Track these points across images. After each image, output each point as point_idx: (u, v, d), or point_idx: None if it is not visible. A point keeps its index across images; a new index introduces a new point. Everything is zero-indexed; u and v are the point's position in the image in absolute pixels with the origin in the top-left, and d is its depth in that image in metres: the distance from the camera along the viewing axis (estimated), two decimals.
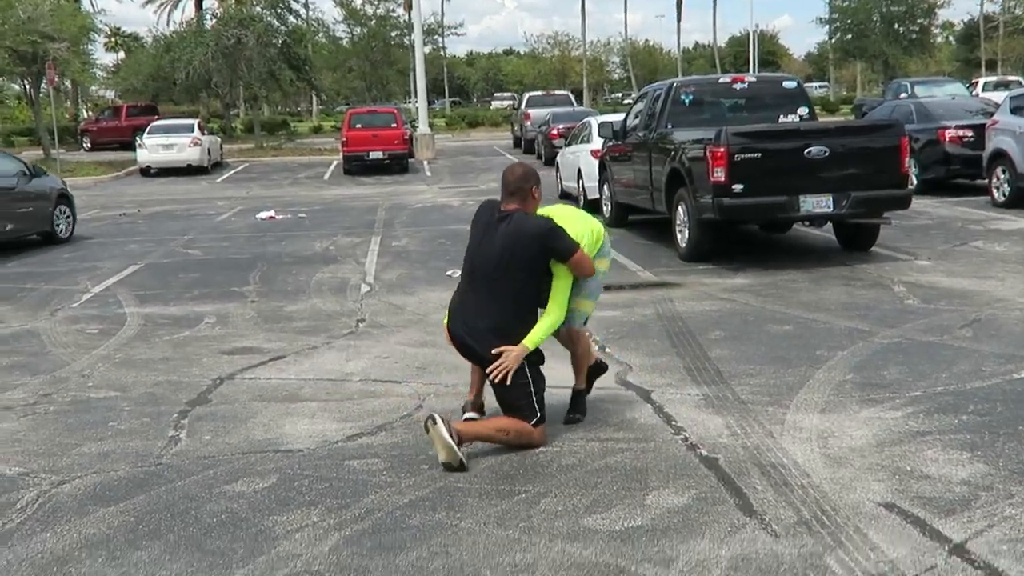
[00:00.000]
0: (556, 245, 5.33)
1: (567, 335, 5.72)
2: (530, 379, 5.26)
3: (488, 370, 5.24)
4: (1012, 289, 9.02)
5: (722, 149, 10.30)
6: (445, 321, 5.57)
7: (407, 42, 49.15)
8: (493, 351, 5.21)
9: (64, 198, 15.68)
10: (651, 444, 5.30)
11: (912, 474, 4.75)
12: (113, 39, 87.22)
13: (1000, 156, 15.04)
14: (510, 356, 5.19)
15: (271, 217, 17.75)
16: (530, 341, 5.24)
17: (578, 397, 5.85)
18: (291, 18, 44.24)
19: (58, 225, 15.28)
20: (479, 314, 5.32)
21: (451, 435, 4.93)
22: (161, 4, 70.90)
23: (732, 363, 6.88)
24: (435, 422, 4.95)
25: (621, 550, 4.05)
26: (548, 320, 5.37)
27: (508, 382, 5.21)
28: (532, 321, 5.35)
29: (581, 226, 5.62)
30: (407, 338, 8.11)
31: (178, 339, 8.37)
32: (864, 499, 4.47)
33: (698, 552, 4.00)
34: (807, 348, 7.19)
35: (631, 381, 6.57)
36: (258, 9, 42.83)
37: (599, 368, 6.04)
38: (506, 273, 5.28)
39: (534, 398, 5.27)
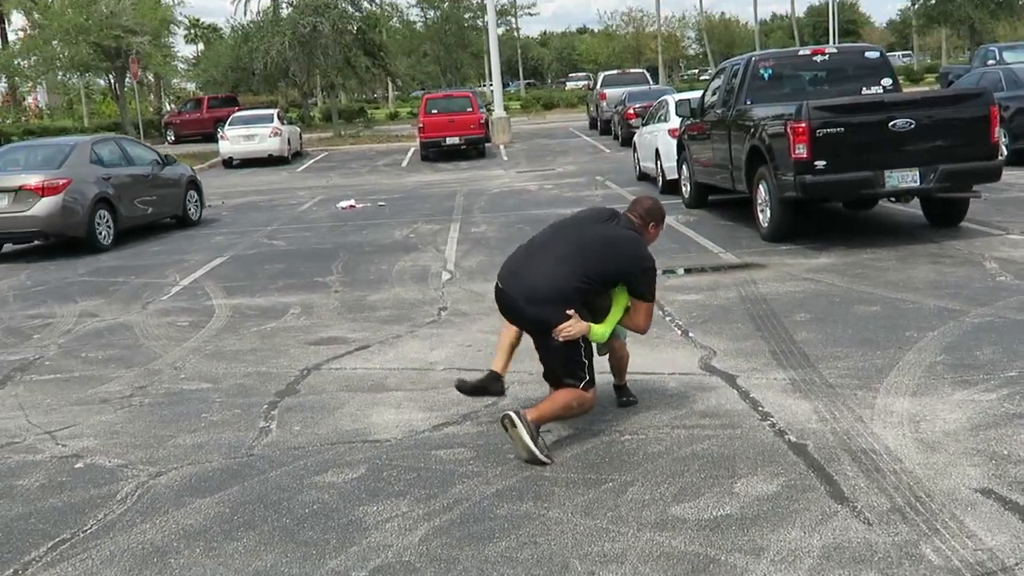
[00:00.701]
0: (642, 279, 5.31)
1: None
2: (583, 345, 5.20)
3: (559, 328, 5.06)
4: None
5: (803, 124, 10.12)
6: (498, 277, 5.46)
7: (481, 24, 49.21)
8: (563, 315, 5.08)
9: (193, 184, 17.28)
10: (738, 430, 5.26)
11: (1009, 458, 4.64)
12: (192, 31, 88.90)
13: None
14: (580, 324, 5.10)
15: (351, 206, 17.95)
16: (594, 328, 5.21)
17: (623, 389, 5.88)
18: (365, 3, 44.59)
19: (189, 209, 16.93)
20: (546, 275, 5.17)
21: (530, 434, 4.91)
22: None
23: (819, 346, 6.78)
24: (514, 424, 4.93)
25: (710, 539, 4.03)
26: (602, 327, 5.30)
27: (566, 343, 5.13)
28: (579, 311, 5.19)
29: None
30: (489, 326, 8.13)
31: (265, 330, 8.53)
32: (960, 485, 4.38)
33: (789, 541, 3.96)
34: (896, 329, 7.04)
35: (716, 366, 6.51)
36: None
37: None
38: (581, 256, 5.20)
39: (587, 362, 5.21)
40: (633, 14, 78.44)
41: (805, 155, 10.15)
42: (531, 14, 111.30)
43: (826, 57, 12.95)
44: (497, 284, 5.43)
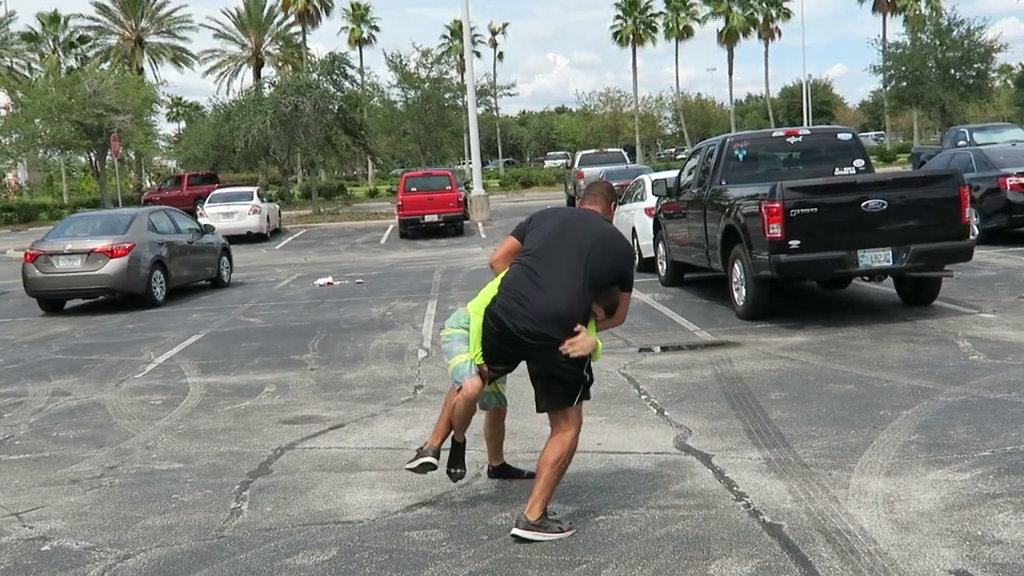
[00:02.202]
0: (632, 272, 5.41)
1: (498, 416, 5.84)
2: (588, 361, 5.17)
3: (569, 343, 4.97)
4: None
5: (777, 204, 10.25)
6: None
7: (460, 103, 49.73)
8: (572, 331, 5.02)
9: (225, 251, 19.35)
10: (713, 511, 5.23)
11: (983, 539, 4.63)
12: (175, 109, 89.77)
13: None
14: (588, 338, 5.06)
15: (329, 283, 17.97)
16: (599, 343, 5.20)
17: (505, 469, 6.02)
18: (347, 84, 45.06)
19: (222, 273, 18.93)
20: (559, 296, 5.03)
21: (544, 534, 4.99)
22: (221, 73, 73.21)
23: (793, 425, 6.79)
24: (526, 540, 4.95)
25: None
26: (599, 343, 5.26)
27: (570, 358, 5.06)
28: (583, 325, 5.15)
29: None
30: None
31: (239, 409, 8.47)
32: (934, 566, 4.36)
33: None
34: (870, 408, 7.07)
35: (691, 445, 6.50)
36: (315, 76, 43.68)
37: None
38: (585, 266, 5.10)
39: (589, 378, 5.18)
40: (611, 94, 79.42)
41: (779, 235, 10.27)
42: (510, 94, 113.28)
43: (799, 138, 13.18)
44: (493, 315, 5.14)
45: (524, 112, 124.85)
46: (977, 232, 16.27)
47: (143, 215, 17.34)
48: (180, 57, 70.05)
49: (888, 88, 57.67)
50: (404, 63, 51.91)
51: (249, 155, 43.56)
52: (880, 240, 10.33)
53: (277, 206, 36.07)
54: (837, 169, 12.72)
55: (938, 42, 52.39)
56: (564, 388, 5.10)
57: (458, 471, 5.64)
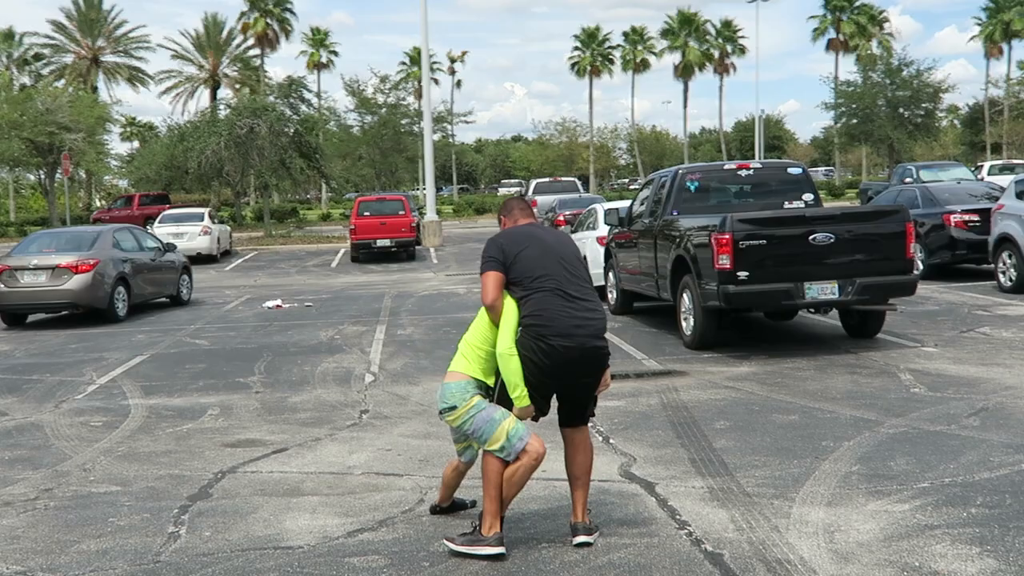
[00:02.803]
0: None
1: (466, 467, 5.59)
2: None
3: (605, 383, 5.36)
4: (1020, 376, 8.96)
5: (727, 236, 10.35)
6: (551, 340, 5.05)
7: (417, 129, 49.76)
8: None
9: (186, 269, 19.78)
10: (655, 539, 5.23)
11: (920, 570, 4.67)
12: (128, 128, 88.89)
13: (1006, 240, 15.07)
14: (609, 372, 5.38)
15: (278, 306, 17.82)
16: None
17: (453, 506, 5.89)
18: (303, 107, 44.94)
19: (182, 291, 19.32)
20: (601, 320, 5.26)
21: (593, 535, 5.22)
22: (177, 94, 72.61)
23: (737, 454, 6.82)
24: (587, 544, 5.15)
25: None
26: None
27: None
28: None
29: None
30: (410, 430, 8.07)
31: (181, 431, 8.34)
32: None
33: None
34: (813, 439, 7.12)
35: (635, 473, 6.50)
36: (271, 98, 43.53)
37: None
38: (587, 276, 5.39)
39: None
40: (567, 124, 79.82)
41: (728, 265, 10.36)
42: (467, 122, 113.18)
43: (750, 171, 13.31)
44: (553, 347, 5.03)
45: (480, 140, 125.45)
46: (921, 267, 16.56)
47: (108, 232, 17.81)
48: (136, 77, 69.37)
49: (839, 125, 58.65)
50: (362, 88, 51.93)
51: (202, 176, 43.23)
52: (827, 273, 10.46)
53: (228, 228, 35.77)
54: (787, 202, 12.88)
55: (888, 81, 53.45)
56: (594, 399, 5.39)
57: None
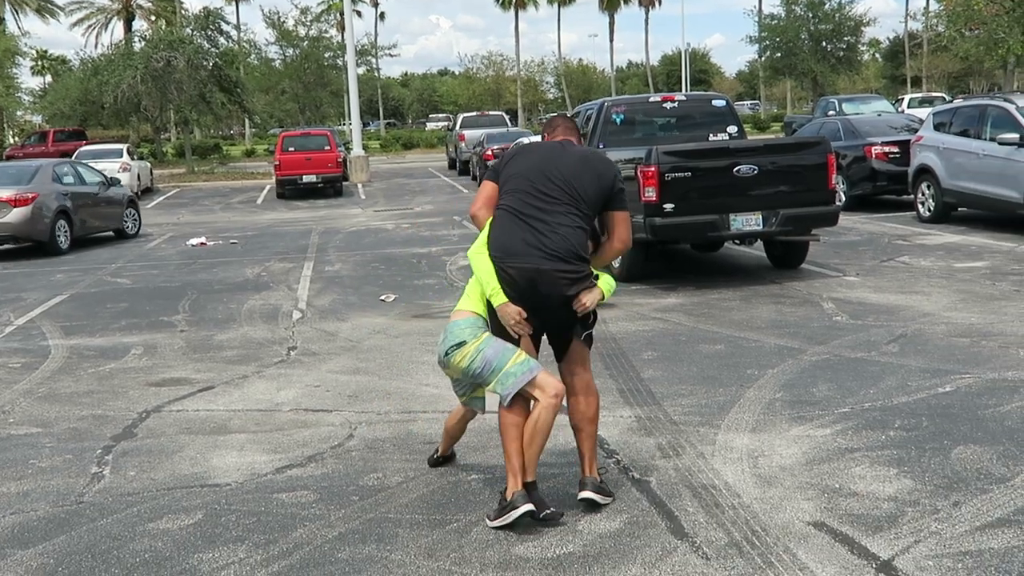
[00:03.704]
0: (623, 189, 4.86)
1: (471, 414, 5.22)
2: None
3: (578, 304, 4.63)
4: (937, 303, 9.19)
5: (653, 168, 10.37)
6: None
7: (341, 63, 48.90)
8: (577, 296, 4.62)
9: (132, 203, 20.19)
10: None
11: (840, 492, 4.79)
12: (40, 62, 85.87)
13: (924, 172, 15.36)
14: (594, 290, 4.69)
15: (202, 243, 17.50)
16: (606, 288, 4.79)
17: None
18: (222, 40, 43.68)
19: (126, 223, 19.64)
20: (561, 239, 4.59)
21: (607, 495, 4.78)
22: (89, 26, 70.33)
23: (664, 384, 6.90)
24: (601, 504, 4.71)
25: None
26: (610, 281, 4.88)
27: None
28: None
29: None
30: (339, 366, 8.02)
31: (104, 371, 8.19)
32: (794, 519, 4.49)
33: None
34: (738, 367, 7.24)
35: (564, 405, 6.53)
36: (188, 31, 42.30)
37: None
38: (580, 194, 4.69)
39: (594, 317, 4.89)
40: (493, 58, 79.13)
41: (655, 198, 10.40)
42: (392, 55, 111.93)
43: (675, 104, 13.34)
44: (509, 268, 4.59)
45: (406, 74, 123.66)
46: (844, 198, 16.82)
47: (48, 167, 18.14)
48: (45, 8, 66.79)
49: (763, 59, 59.05)
50: (282, 20, 50.83)
51: (119, 111, 42.09)
52: (751, 205, 10.55)
53: (148, 164, 34.87)
54: (711, 135, 12.96)
55: (811, 15, 53.86)
56: (580, 325, 4.82)
57: (551, 512, 4.58)
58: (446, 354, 4.74)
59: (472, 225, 4.94)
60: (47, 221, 16.85)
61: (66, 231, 17.37)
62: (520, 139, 19.69)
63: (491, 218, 4.79)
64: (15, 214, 16.48)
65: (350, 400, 6.93)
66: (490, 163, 26.27)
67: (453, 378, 4.95)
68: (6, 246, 17.05)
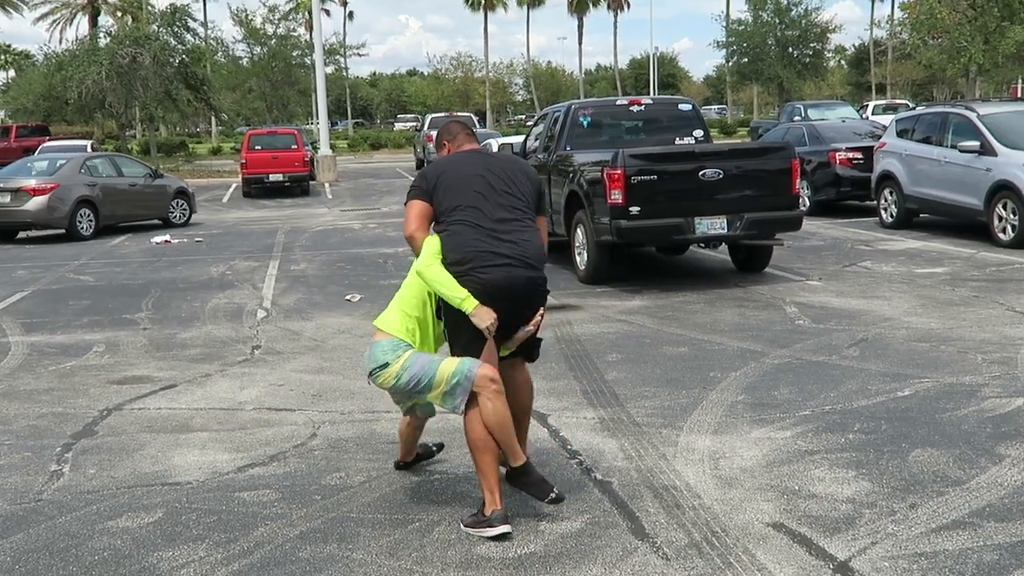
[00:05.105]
0: (544, 190, 5.02)
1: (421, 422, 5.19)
2: None
3: (536, 321, 4.77)
4: (898, 308, 9.30)
5: (619, 171, 10.42)
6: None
7: (308, 62, 48.75)
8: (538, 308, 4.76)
9: (182, 194, 21.23)
10: (546, 469, 5.28)
11: (800, 493, 4.84)
12: (3, 56, 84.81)
13: (887, 178, 15.53)
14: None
15: (166, 241, 17.38)
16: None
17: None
18: (189, 37, 43.37)
19: (172, 213, 20.86)
20: (534, 248, 4.70)
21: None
22: (54, 21, 69.42)
23: (628, 386, 6.94)
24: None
25: None
26: None
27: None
28: None
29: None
30: (303, 365, 8.00)
31: (64, 369, 8.11)
32: (753, 520, 4.54)
33: None
34: (701, 370, 7.29)
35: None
36: (154, 27, 41.98)
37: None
38: (526, 199, 4.78)
39: None
40: (462, 59, 79.09)
41: (620, 201, 10.45)
42: (360, 54, 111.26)
43: (642, 107, 13.40)
44: (479, 277, 4.55)
45: (375, 73, 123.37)
46: (808, 203, 16.98)
47: (78, 159, 20.04)
48: (9, 2, 66.02)
49: (730, 63, 59.46)
50: (250, 18, 50.52)
51: (83, 107, 41.63)
52: (716, 208, 10.62)
53: None
54: (678, 139, 13.03)
55: (778, 21, 54.27)
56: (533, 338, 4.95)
57: (555, 495, 4.58)
58: (371, 374, 4.71)
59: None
60: (67, 209, 18.18)
61: (90, 219, 18.70)
62: (487, 140, 19.68)
63: (433, 236, 4.74)
64: (34, 202, 18.02)
65: (314, 399, 6.92)
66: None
67: (390, 393, 4.90)
68: (29, 232, 18.75)
